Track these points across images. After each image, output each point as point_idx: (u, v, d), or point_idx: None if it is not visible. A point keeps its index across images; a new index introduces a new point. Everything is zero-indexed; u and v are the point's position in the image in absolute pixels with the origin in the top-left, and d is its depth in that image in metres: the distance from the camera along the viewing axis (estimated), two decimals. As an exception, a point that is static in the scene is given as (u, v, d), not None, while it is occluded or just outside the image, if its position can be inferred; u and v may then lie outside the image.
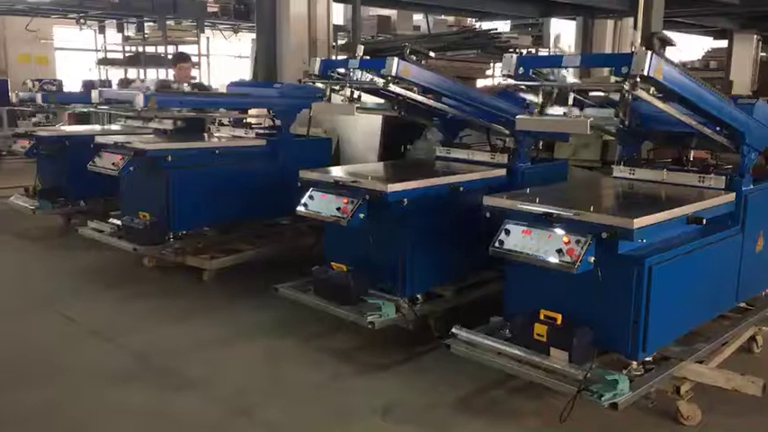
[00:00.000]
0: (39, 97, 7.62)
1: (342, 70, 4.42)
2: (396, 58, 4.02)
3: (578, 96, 3.32)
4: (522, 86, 3.44)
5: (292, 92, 6.50)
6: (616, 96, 3.16)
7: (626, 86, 2.96)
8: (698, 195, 3.77)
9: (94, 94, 5.92)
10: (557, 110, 3.32)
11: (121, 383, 3.91)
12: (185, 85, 7.08)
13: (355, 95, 4.35)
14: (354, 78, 4.30)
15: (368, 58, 4.29)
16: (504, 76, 3.35)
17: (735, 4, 13.33)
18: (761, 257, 4.15)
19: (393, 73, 4.04)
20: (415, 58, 4.23)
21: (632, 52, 2.93)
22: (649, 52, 2.90)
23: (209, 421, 3.54)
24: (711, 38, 19.75)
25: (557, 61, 3.22)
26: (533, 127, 3.29)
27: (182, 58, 7.76)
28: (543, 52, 19.05)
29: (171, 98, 5.97)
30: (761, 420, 3.54)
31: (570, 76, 3.27)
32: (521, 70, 3.31)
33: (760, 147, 3.91)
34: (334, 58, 11.12)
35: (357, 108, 4.35)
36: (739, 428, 3.49)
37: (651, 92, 3.08)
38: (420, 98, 4.46)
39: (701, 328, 3.81)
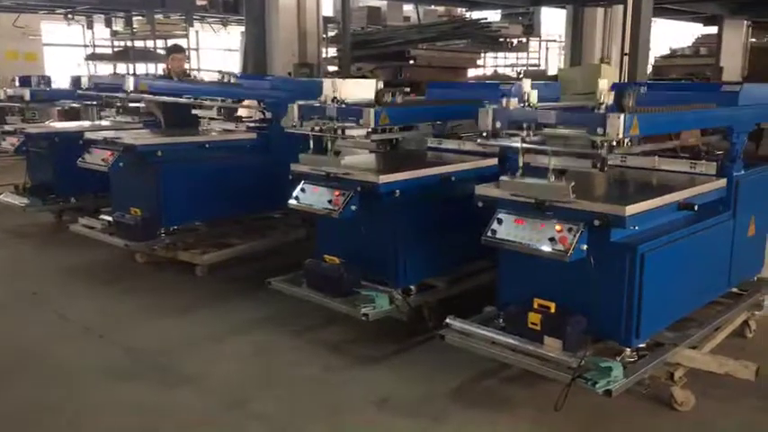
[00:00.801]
0: (27, 93, 7.58)
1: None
2: (372, 110, 3.98)
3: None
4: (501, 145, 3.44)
5: (283, 84, 6.47)
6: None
7: (602, 152, 2.98)
8: (689, 182, 3.78)
9: (84, 79, 5.88)
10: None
11: (115, 379, 3.90)
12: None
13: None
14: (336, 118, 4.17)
15: (345, 106, 4.17)
16: (479, 135, 3.34)
17: (725, -10, 13.32)
18: (752, 242, 4.17)
19: (372, 126, 4.02)
20: (391, 98, 4.23)
21: (605, 114, 2.91)
22: (622, 116, 2.88)
23: (203, 415, 3.53)
24: (701, 24, 19.74)
25: (532, 116, 3.22)
26: (516, 191, 3.31)
27: (175, 50, 7.74)
28: (534, 41, 19.07)
29: (160, 84, 5.91)
30: (754, 404, 3.55)
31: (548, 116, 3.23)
32: (498, 124, 3.29)
33: (749, 128, 3.94)
34: (324, 50, 11.09)
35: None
36: (733, 412, 3.50)
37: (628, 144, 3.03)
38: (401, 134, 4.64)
39: (694, 313, 3.82)
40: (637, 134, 2.99)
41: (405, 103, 4.57)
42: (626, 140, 2.93)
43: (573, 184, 3.14)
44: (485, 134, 3.35)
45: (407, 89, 5.22)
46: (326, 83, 4.20)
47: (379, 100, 4.17)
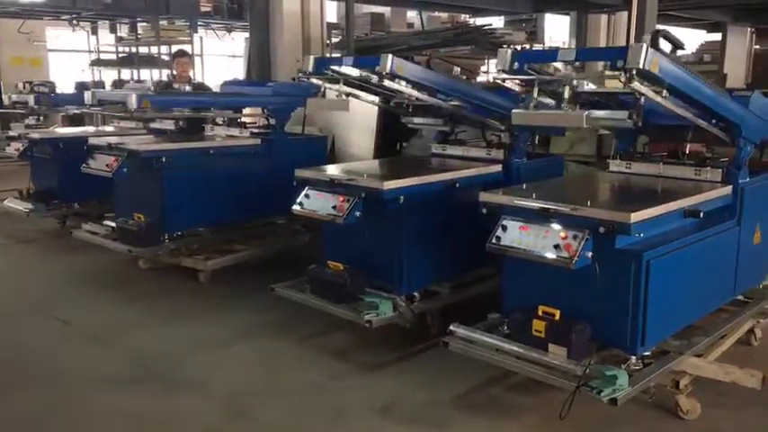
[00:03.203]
0: (31, 99, 7.60)
1: (336, 68, 4.39)
2: (390, 55, 4.01)
3: (576, 95, 3.29)
4: (517, 81, 3.42)
5: (287, 90, 6.48)
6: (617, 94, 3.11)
7: (622, 79, 2.95)
8: (694, 189, 3.76)
9: (87, 95, 5.89)
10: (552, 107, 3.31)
11: (118, 386, 3.89)
12: (186, 86, 7.05)
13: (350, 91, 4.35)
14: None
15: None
16: (498, 71, 3.33)
17: (728, -3, 13.32)
18: (758, 250, 4.14)
19: (387, 70, 4.02)
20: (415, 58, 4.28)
21: (627, 45, 2.91)
22: (644, 45, 2.88)
23: (207, 423, 3.52)
24: (705, 31, 19.75)
25: (551, 56, 3.20)
26: (529, 121, 3.26)
27: (180, 54, 7.79)
28: (538, 48, 19.09)
29: (164, 98, 5.93)
30: (761, 413, 3.53)
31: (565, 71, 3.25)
32: (515, 65, 3.29)
33: (756, 139, 3.91)
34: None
35: (351, 97, 4.34)
36: (739, 421, 3.48)
37: (646, 85, 3.06)
38: (416, 94, 4.42)
39: (700, 321, 3.80)
40: (656, 72, 2.95)
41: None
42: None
43: (587, 112, 3.09)
44: (501, 72, 3.34)
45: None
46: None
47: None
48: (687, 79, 3.28)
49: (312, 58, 4.42)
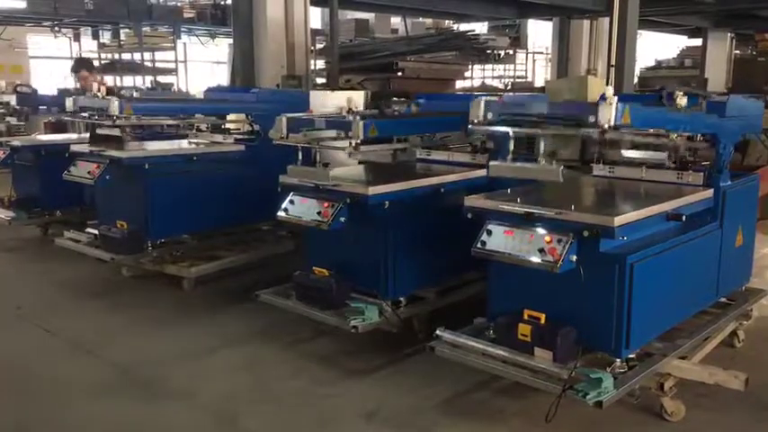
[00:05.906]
0: (14, 100, 7.53)
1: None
2: (360, 121, 4.01)
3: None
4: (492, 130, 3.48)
5: (271, 97, 6.46)
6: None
7: (595, 136, 3.03)
8: (676, 192, 3.79)
9: (69, 102, 5.83)
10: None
11: (102, 395, 3.84)
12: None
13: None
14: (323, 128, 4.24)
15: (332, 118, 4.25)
16: (472, 122, 3.37)
17: (709, 3, 13.50)
18: (740, 252, 4.18)
19: (361, 137, 4.04)
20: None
21: (598, 103, 2.94)
22: (614, 103, 2.91)
23: (193, 431, 3.49)
24: (686, 36, 20.00)
25: (524, 107, 3.24)
26: (506, 174, 3.30)
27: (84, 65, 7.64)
28: (521, 53, 19.23)
29: (147, 105, 5.88)
30: (745, 414, 3.55)
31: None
32: (489, 115, 3.32)
33: (735, 139, 3.97)
34: (312, 62, 11.12)
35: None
36: (723, 423, 3.50)
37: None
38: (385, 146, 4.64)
39: (683, 323, 3.82)
40: (629, 123, 3.00)
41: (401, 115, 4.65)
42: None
43: (563, 168, 3.13)
44: (476, 121, 3.35)
45: (403, 99, 5.35)
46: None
47: (382, 112, 4.26)
48: (660, 118, 3.45)
49: (283, 119, 4.28)
